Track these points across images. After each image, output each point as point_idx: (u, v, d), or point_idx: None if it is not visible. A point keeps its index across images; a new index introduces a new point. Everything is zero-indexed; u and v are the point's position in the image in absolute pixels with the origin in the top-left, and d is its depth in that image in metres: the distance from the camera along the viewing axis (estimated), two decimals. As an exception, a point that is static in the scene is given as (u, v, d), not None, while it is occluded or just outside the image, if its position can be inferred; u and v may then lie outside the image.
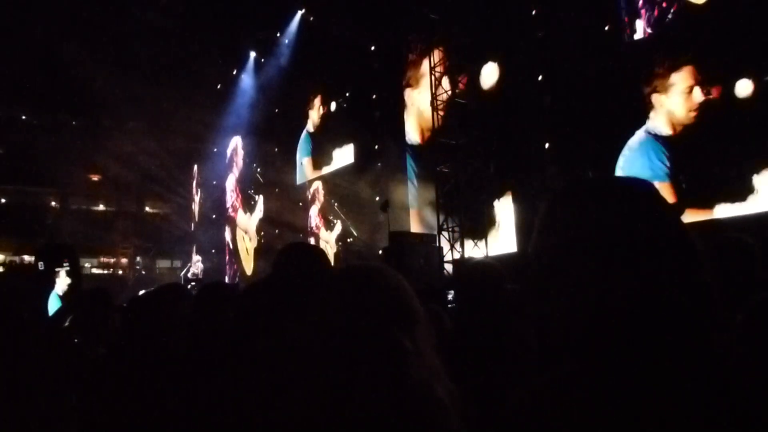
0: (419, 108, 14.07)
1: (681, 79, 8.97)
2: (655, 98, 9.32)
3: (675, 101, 9.05)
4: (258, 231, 22.13)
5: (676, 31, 9.31)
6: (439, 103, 12.34)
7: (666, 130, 9.21)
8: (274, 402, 1.48)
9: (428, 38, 12.83)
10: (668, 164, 9.14)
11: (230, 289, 2.66)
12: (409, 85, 14.65)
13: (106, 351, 2.67)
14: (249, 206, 23.19)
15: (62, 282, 5.24)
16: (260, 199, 22.12)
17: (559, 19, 10.53)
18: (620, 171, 9.69)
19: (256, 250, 22.08)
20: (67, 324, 3.41)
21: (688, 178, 8.86)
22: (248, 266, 22.91)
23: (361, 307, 1.31)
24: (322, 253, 2.14)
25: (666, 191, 8.92)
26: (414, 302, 1.37)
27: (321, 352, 1.30)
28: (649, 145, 9.41)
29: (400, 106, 14.84)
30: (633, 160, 9.58)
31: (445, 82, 12.44)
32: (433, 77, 12.45)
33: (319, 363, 1.29)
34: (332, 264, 2.21)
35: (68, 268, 5.28)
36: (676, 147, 9.09)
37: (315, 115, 18.77)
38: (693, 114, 8.82)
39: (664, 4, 9.45)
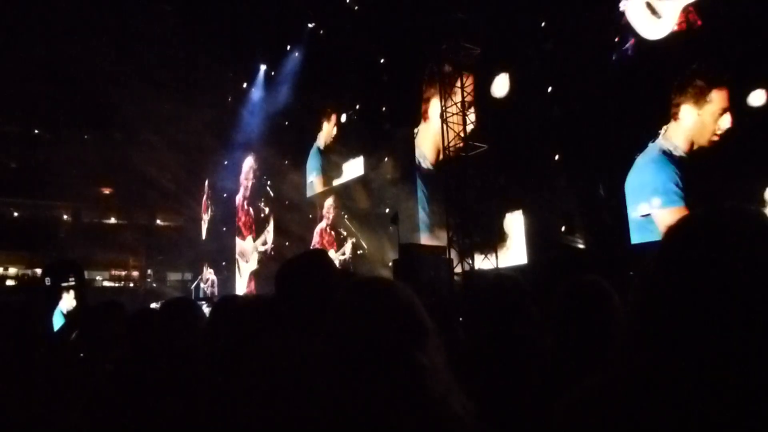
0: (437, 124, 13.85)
1: (719, 98, 8.65)
2: (685, 109, 9.04)
3: (705, 119, 8.77)
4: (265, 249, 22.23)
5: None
6: (449, 115, 12.36)
7: (682, 146, 9.01)
8: (290, 417, 1.47)
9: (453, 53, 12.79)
10: (681, 186, 8.97)
11: (245, 303, 2.63)
12: (423, 119, 14.61)
13: (112, 366, 2.65)
14: (258, 227, 23.34)
15: (68, 298, 5.28)
16: (269, 232, 22.14)
17: (568, 31, 10.53)
18: (630, 189, 9.61)
19: (266, 264, 22.13)
20: (72, 339, 3.40)
21: (700, 199, 8.67)
22: (240, 287, 23.27)
23: (375, 322, 1.30)
24: (327, 261, 2.11)
25: (679, 215, 8.74)
26: (425, 316, 1.35)
27: (336, 368, 1.29)
28: (661, 166, 9.23)
29: (413, 117, 14.81)
30: (644, 180, 9.48)
31: (457, 94, 12.45)
32: (443, 90, 12.48)
33: (335, 378, 1.28)
34: (342, 273, 2.17)
35: (73, 283, 5.32)
36: (689, 167, 8.92)
37: (328, 130, 18.76)
38: (715, 138, 8.61)
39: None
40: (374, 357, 1.26)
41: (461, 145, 12.03)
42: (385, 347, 1.27)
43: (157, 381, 2.26)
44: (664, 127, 9.27)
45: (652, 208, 9.23)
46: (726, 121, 8.50)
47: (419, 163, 14.60)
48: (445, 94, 12.47)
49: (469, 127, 12.00)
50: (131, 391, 2.30)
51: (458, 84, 12.34)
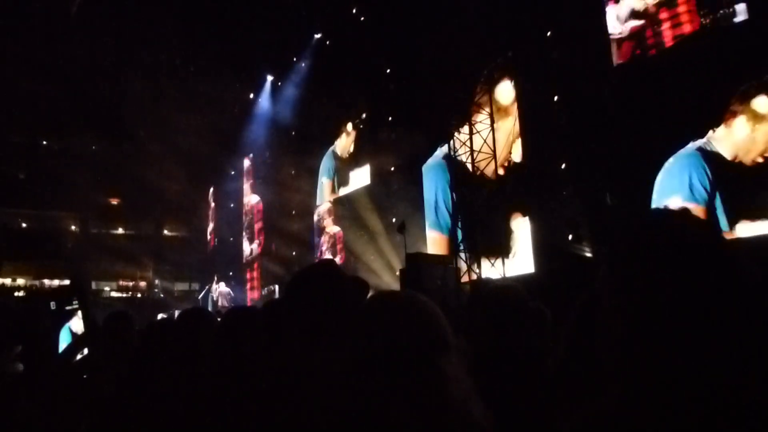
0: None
1: None
2: (740, 120, 8.52)
3: (757, 137, 8.32)
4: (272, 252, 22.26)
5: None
6: (454, 124, 12.40)
7: (725, 154, 8.67)
8: (311, 427, 1.48)
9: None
10: (708, 188, 8.78)
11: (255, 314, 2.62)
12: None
13: (116, 387, 2.63)
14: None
15: (77, 319, 5.38)
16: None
17: (574, 41, 10.54)
18: (658, 185, 9.40)
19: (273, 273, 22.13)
20: (77, 359, 3.39)
21: (724, 202, 8.55)
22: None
23: (399, 333, 1.34)
24: (338, 271, 2.12)
25: (697, 215, 8.63)
26: (446, 328, 1.40)
27: (360, 378, 1.31)
28: (693, 163, 8.98)
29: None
30: (673, 175, 9.23)
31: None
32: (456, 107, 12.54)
33: (358, 388, 1.30)
34: (354, 281, 2.17)
35: (76, 306, 5.43)
36: (721, 168, 8.64)
37: (346, 139, 18.70)
38: (760, 160, 8.25)
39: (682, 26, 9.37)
40: (398, 364, 1.29)
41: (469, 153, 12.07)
42: (409, 355, 1.31)
43: (164, 394, 2.26)
44: (712, 129, 8.84)
45: (674, 202, 9.14)
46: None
47: (453, 153, 13.28)
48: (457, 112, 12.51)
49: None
50: (136, 408, 2.29)
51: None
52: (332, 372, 1.38)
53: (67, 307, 5.41)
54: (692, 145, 9.11)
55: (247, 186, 24.73)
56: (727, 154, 8.67)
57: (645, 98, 9.48)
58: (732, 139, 8.64)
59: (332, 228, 18.36)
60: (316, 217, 19.43)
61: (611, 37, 10.24)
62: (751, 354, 0.93)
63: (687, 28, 9.21)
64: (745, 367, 0.92)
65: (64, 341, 4.88)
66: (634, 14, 9.98)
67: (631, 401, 0.97)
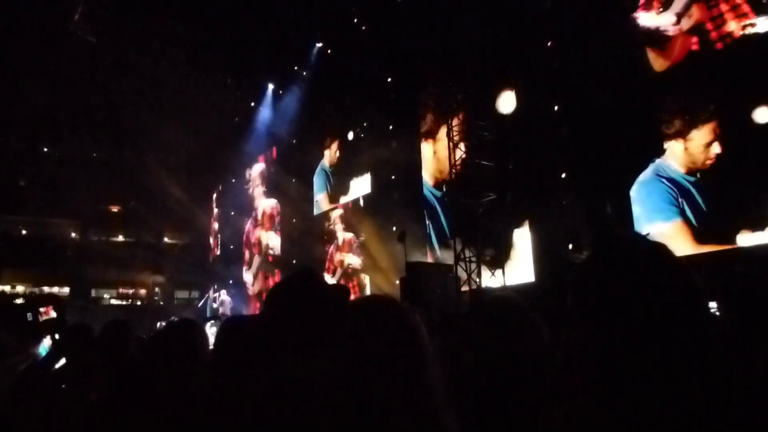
0: (435, 155, 14.15)
1: (701, 135, 8.72)
2: (673, 144, 9.14)
3: (693, 151, 8.85)
4: (275, 261, 22.21)
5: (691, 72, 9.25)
6: (455, 134, 12.39)
7: (678, 168, 9.04)
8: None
9: (443, 79, 12.91)
10: (676, 203, 9.00)
11: (249, 325, 2.60)
12: (424, 139, 14.75)
13: (96, 397, 2.60)
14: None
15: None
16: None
17: (575, 51, 10.56)
18: (638, 209, 9.66)
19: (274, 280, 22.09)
20: (54, 370, 3.38)
21: (699, 213, 8.72)
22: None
23: (378, 344, 1.33)
24: (317, 281, 2.09)
25: (678, 229, 8.85)
26: (425, 339, 1.39)
27: (338, 389, 1.31)
28: (653, 185, 9.34)
29: (417, 139, 14.88)
30: (643, 201, 9.57)
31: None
32: (447, 111, 12.53)
33: (336, 399, 1.30)
34: (335, 289, 2.14)
35: (54, 316, 5.47)
36: (682, 185, 8.97)
37: (333, 150, 18.91)
38: (709, 162, 8.63)
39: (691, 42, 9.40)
40: (375, 376, 1.29)
41: (468, 162, 12.07)
42: (385, 367, 1.30)
43: (152, 404, 2.24)
44: (667, 150, 9.26)
45: (651, 226, 9.28)
46: (716, 148, 8.52)
47: (425, 181, 14.62)
48: (451, 114, 12.51)
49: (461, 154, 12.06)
50: (119, 418, 2.26)
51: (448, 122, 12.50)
52: (315, 382, 1.38)
53: (44, 318, 5.44)
54: (650, 169, 9.44)
55: (263, 188, 24.43)
56: (682, 168, 9.03)
57: (644, 108, 9.56)
58: (676, 155, 9.10)
59: (345, 234, 18.31)
60: (326, 223, 19.34)
61: (666, 33, 9.66)
62: (699, 355, 1.02)
63: (752, 17, 8.44)
64: (695, 366, 1.01)
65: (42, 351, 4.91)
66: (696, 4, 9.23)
67: (598, 400, 1.05)
